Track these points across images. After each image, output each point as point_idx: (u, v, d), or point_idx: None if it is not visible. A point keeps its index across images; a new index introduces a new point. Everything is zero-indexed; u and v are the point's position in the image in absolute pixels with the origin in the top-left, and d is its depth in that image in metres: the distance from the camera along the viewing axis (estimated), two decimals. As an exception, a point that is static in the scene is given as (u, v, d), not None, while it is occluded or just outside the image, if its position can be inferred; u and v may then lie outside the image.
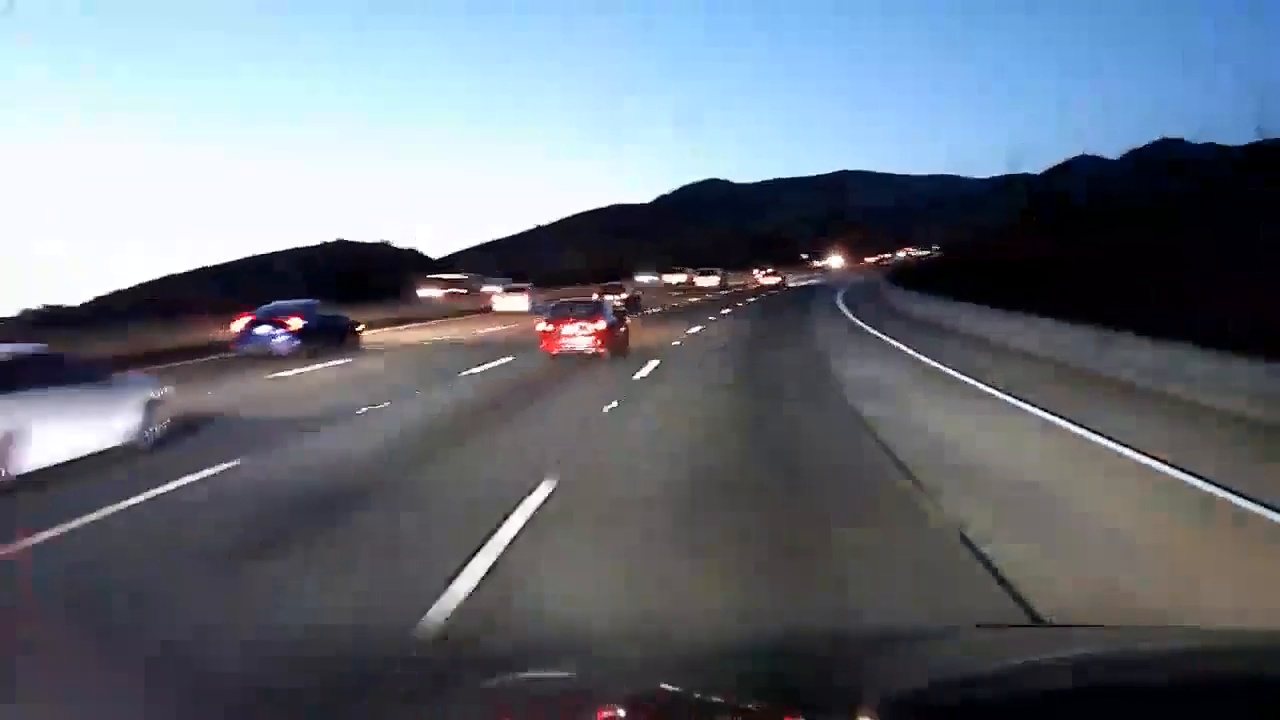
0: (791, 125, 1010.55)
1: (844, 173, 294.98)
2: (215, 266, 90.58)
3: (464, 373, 16.23)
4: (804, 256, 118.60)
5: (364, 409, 11.92)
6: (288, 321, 19.58)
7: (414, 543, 6.08)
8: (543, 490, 7.12)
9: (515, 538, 5.93)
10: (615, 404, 12.01)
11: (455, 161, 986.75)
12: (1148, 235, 26.33)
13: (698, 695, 1.59)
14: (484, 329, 28.92)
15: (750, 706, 1.52)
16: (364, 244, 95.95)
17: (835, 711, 1.37)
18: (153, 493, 7.49)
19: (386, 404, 12.45)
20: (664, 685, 1.64)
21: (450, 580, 5.08)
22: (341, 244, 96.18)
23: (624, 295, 36.78)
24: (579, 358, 17.32)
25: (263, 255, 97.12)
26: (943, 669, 1.69)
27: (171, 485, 7.73)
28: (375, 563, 5.65)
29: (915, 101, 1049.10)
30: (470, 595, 4.90)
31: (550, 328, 17.69)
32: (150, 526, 6.71)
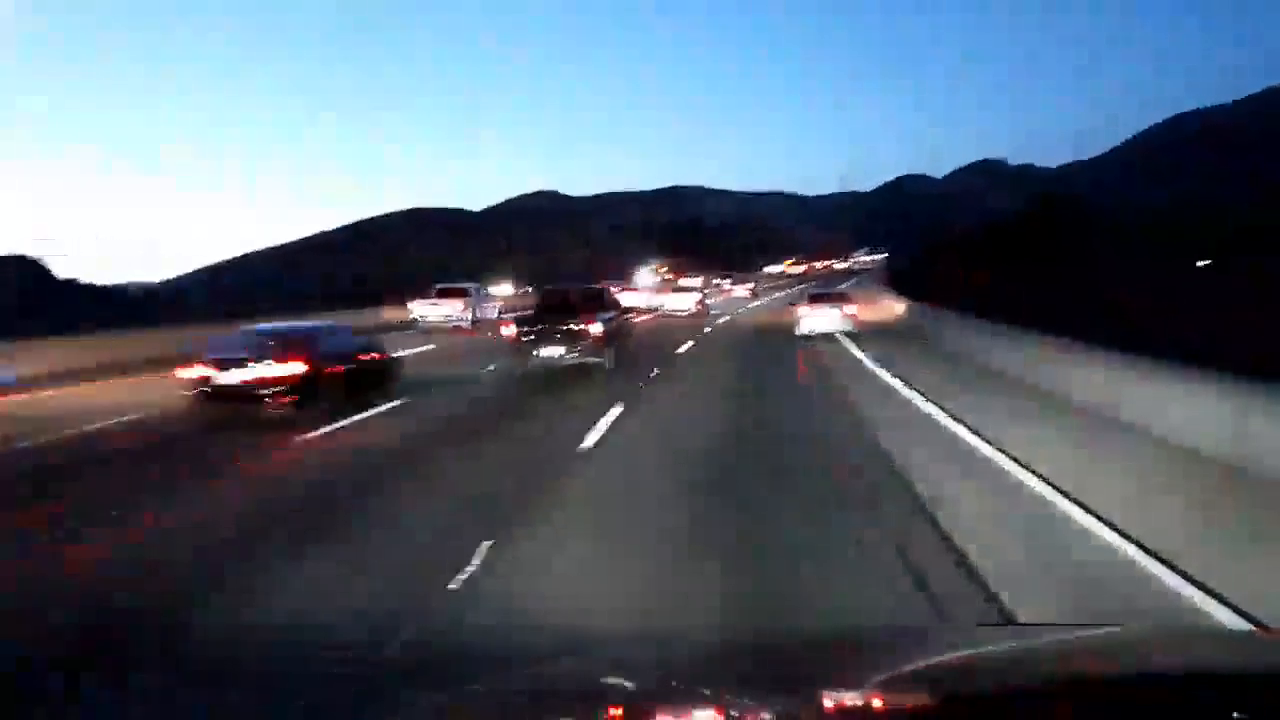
0: (625, 140, 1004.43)
1: (678, 187, 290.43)
2: None
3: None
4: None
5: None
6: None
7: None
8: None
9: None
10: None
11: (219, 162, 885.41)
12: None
13: (695, 692, 1.65)
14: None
15: (745, 702, 1.56)
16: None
17: (832, 709, 1.40)
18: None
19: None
20: (664, 684, 1.70)
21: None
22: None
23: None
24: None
25: None
26: (942, 667, 1.73)
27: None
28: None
29: (750, 119, 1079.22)
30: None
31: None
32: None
